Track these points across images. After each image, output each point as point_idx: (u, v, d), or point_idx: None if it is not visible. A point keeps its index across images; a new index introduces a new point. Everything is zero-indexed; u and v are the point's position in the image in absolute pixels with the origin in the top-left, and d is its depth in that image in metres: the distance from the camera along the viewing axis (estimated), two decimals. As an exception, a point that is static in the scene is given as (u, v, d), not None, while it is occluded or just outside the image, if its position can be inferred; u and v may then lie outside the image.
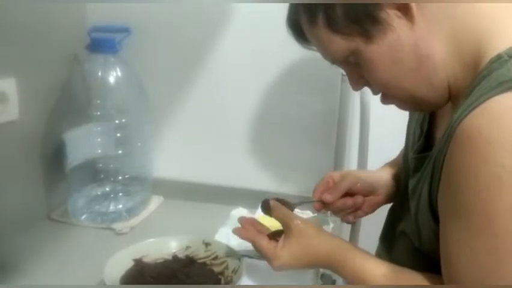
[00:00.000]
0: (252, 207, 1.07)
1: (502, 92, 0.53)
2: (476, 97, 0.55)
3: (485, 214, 0.53)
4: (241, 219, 0.81)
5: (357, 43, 0.63)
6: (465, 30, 0.61)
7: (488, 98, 0.53)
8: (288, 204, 0.81)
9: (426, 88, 0.65)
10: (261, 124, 1.17)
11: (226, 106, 1.17)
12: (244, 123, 1.17)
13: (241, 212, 1.08)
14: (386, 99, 0.70)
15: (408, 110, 0.75)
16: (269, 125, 1.17)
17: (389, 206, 0.91)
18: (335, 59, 0.68)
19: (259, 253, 0.75)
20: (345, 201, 0.85)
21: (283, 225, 0.75)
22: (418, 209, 0.69)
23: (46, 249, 0.93)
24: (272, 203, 0.78)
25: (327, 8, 0.63)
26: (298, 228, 0.73)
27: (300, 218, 0.76)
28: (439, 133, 0.73)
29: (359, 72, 0.68)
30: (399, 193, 0.85)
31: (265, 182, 1.17)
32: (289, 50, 1.09)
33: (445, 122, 0.67)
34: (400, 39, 0.62)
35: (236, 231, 0.78)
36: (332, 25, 0.64)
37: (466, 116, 0.54)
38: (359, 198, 0.86)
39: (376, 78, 0.66)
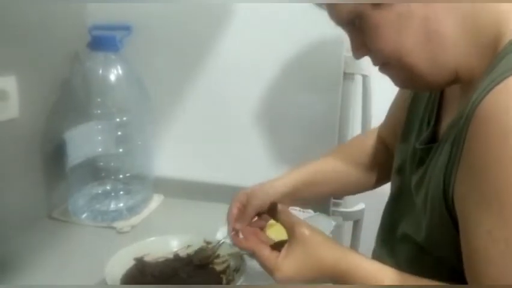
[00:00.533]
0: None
1: None
2: (496, 75, 0.53)
3: None
4: (243, 229, 0.79)
5: (365, 6, 0.61)
6: (484, 10, 0.59)
7: (511, 75, 0.51)
8: (207, 249, 0.84)
9: (430, 65, 0.62)
10: (262, 123, 1.17)
11: (227, 104, 1.17)
12: (245, 122, 1.17)
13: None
14: (385, 69, 0.67)
15: (403, 86, 0.73)
16: (270, 124, 1.17)
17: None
18: (339, 19, 0.65)
19: (261, 264, 0.71)
20: (256, 223, 0.83)
21: (287, 231, 0.71)
22: (427, 201, 0.65)
23: (47, 248, 0.93)
24: (280, 206, 0.74)
25: None
26: (303, 236, 0.68)
27: (308, 226, 0.70)
28: (444, 124, 0.70)
29: (363, 38, 0.65)
30: (395, 193, 0.82)
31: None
32: (290, 49, 1.11)
33: (453, 112, 0.65)
34: (410, 10, 0.59)
35: (236, 241, 0.76)
36: None
37: (486, 93, 0.52)
38: (267, 218, 0.84)
39: (378, 47, 0.63)
